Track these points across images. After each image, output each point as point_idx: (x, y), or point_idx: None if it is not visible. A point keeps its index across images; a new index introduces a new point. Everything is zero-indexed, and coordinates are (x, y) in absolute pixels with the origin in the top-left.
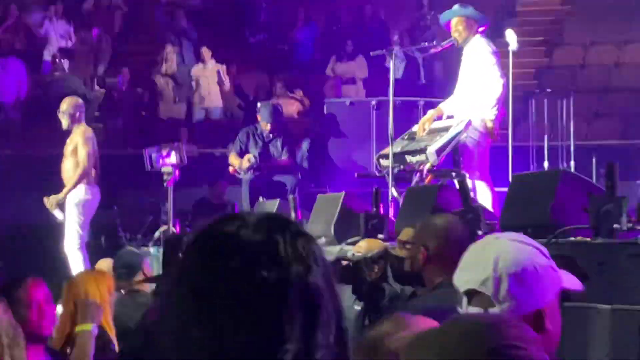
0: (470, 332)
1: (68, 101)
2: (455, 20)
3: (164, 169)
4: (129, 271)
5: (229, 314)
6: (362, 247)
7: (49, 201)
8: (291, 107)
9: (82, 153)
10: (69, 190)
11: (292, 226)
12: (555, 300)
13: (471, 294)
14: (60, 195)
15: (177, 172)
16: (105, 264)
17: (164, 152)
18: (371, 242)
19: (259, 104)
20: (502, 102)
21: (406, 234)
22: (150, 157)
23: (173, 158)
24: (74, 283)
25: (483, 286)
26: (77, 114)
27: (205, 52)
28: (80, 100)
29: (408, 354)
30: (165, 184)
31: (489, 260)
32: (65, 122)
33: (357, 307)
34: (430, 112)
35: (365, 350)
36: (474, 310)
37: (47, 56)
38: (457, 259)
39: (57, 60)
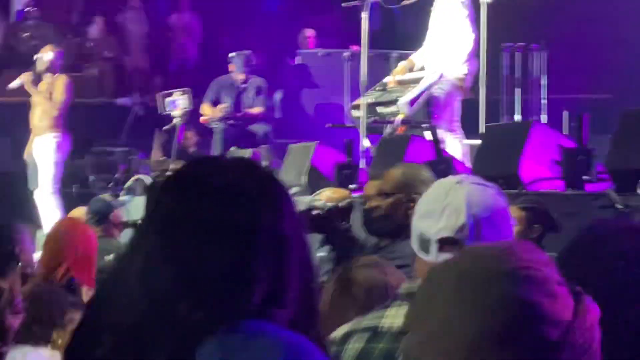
0: (485, 256)
1: (49, 47)
2: None
3: (175, 112)
4: (99, 218)
5: (196, 253)
6: (330, 197)
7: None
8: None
9: (61, 99)
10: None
11: (264, 172)
12: None
13: (441, 242)
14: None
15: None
16: (78, 212)
17: (176, 97)
18: (338, 192)
19: (230, 54)
20: (473, 56)
21: (388, 182)
22: (164, 101)
23: (185, 102)
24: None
25: (460, 232)
26: (58, 62)
27: (184, 1)
28: (59, 49)
29: (426, 285)
30: (178, 126)
31: (460, 206)
32: (42, 67)
33: (322, 253)
34: (402, 64)
35: (338, 281)
36: (446, 256)
37: (18, 5)
38: None
39: (29, 8)
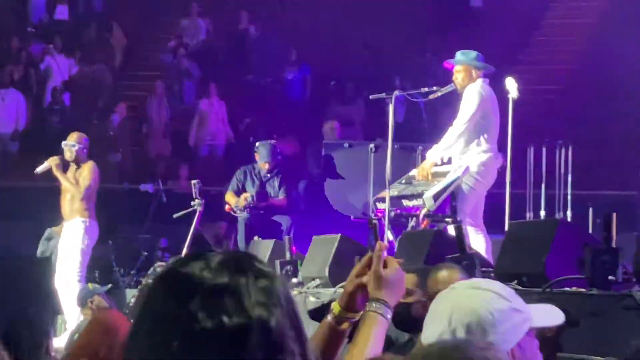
0: (433, 353)
1: (76, 135)
2: (456, 67)
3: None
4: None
5: (187, 356)
6: None
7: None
8: (289, 148)
9: (86, 185)
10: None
11: (256, 267)
12: (525, 341)
13: None
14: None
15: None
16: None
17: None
18: None
19: (257, 144)
20: (497, 149)
21: (410, 281)
22: (200, 189)
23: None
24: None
25: (440, 339)
26: (85, 150)
27: (213, 89)
28: (85, 136)
29: None
30: (197, 214)
31: (444, 312)
32: (69, 155)
33: None
34: (431, 158)
35: None
36: None
37: (48, 90)
38: None
39: (57, 93)
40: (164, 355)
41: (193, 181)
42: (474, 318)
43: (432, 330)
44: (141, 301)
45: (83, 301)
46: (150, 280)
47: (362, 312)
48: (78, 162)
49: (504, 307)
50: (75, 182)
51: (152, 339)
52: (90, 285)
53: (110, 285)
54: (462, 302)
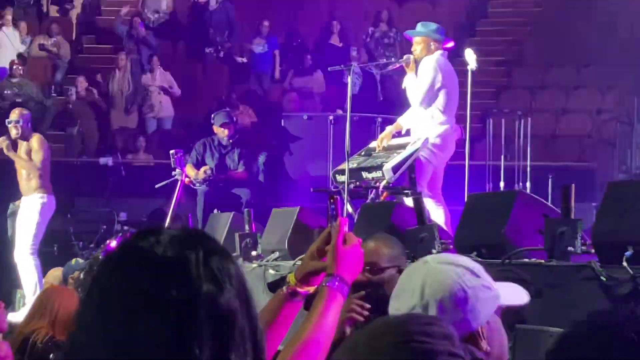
0: (378, 328)
1: (17, 112)
2: (415, 38)
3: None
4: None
5: (132, 329)
6: None
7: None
8: (245, 118)
9: (39, 158)
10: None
11: (207, 243)
12: (494, 319)
13: None
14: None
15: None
16: (57, 272)
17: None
18: None
19: (212, 114)
20: (456, 121)
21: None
22: (179, 159)
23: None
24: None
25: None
26: (28, 124)
27: (155, 61)
28: (26, 111)
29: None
30: (178, 183)
31: (416, 286)
32: (14, 132)
33: None
34: (389, 128)
35: None
36: None
37: (3, 62)
38: None
39: (14, 66)
40: (112, 329)
41: (171, 151)
42: (446, 294)
43: (403, 304)
44: (91, 274)
45: (65, 277)
46: (99, 254)
47: (316, 287)
48: (25, 137)
49: (476, 283)
50: (28, 157)
51: (100, 313)
52: (73, 261)
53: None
54: (435, 276)
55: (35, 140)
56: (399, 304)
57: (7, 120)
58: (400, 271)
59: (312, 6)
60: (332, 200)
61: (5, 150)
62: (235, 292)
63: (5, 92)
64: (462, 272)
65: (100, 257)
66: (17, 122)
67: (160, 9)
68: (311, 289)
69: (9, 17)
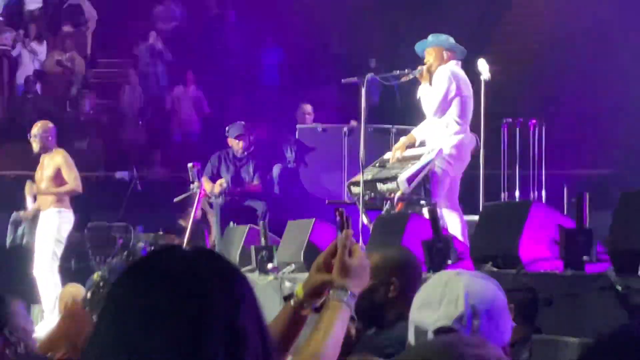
0: (430, 351)
1: (40, 125)
2: (427, 50)
3: (196, 184)
4: None
5: (146, 342)
6: None
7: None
8: (261, 133)
9: (71, 177)
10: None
11: (223, 263)
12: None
13: (438, 332)
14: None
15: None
16: (73, 289)
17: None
18: None
19: (227, 127)
20: (470, 131)
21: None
22: (198, 172)
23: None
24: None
25: (458, 322)
26: (50, 138)
27: (190, 75)
28: (51, 124)
29: None
30: (197, 197)
31: (459, 296)
32: (36, 146)
33: None
34: (403, 140)
35: None
36: None
37: (20, 78)
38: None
39: (30, 82)
40: (127, 343)
41: (189, 164)
42: (489, 305)
43: (446, 313)
44: (106, 292)
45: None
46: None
47: (324, 299)
48: (47, 150)
49: (505, 301)
50: (53, 173)
51: (116, 328)
52: (95, 275)
53: None
54: (475, 287)
55: (62, 157)
56: (439, 313)
57: (29, 135)
58: (384, 283)
59: (329, 16)
60: (339, 214)
61: (38, 193)
62: (247, 309)
63: (23, 107)
64: (496, 288)
65: (106, 275)
66: (36, 136)
67: (172, 23)
68: (319, 302)
69: (30, 32)
